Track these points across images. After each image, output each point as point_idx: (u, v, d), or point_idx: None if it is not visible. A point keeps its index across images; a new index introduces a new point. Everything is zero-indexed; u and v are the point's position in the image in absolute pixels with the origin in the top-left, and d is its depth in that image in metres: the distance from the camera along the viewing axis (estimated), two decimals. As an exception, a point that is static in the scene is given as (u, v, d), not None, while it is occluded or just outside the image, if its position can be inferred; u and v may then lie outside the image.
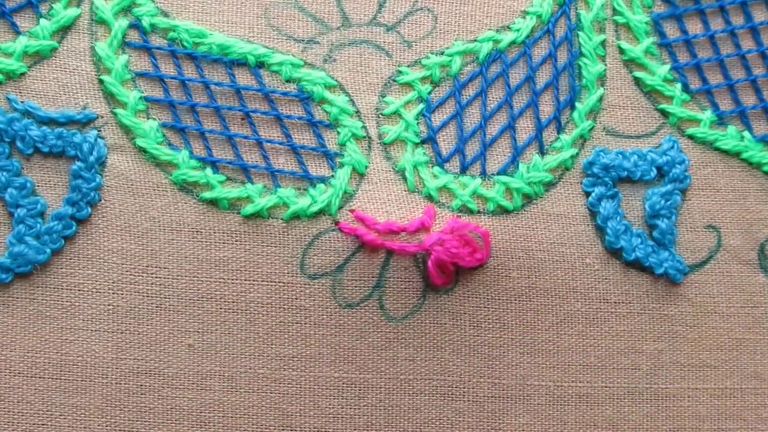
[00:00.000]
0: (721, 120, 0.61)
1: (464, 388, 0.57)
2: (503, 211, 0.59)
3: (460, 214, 0.59)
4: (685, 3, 0.61)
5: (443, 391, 0.57)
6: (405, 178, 0.59)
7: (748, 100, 0.61)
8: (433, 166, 0.59)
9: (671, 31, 0.61)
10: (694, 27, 0.61)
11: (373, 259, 0.58)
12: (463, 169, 0.59)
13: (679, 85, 0.61)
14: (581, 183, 0.60)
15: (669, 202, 0.59)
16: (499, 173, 0.59)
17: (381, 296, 0.57)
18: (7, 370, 0.55)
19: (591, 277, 0.58)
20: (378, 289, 0.57)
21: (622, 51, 0.61)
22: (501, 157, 0.60)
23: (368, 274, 0.57)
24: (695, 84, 0.61)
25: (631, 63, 0.61)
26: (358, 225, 0.58)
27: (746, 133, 0.61)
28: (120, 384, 0.56)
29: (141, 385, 0.56)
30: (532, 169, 0.59)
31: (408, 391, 0.57)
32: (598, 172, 0.59)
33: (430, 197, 0.59)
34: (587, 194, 0.59)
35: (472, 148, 0.59)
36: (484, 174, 0.59)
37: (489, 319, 0.58)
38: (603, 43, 0.61)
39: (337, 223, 0.57)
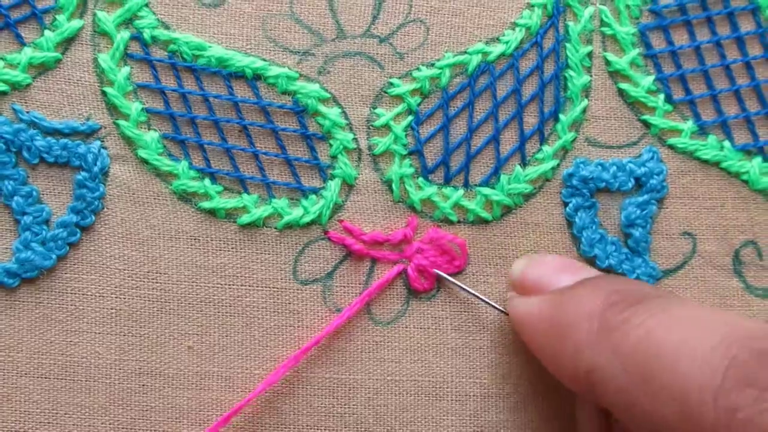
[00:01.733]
0: (702, 130, 0.61)
1: (448, 387, 0.58)
2: (482, 221, 0.59)
3: (440, 224, 0.59)
4: (673, 14, 0.61)
5: (428, 391, 0.58)
6: (391, 189, 0.59)
7: (731, 109, 0.61)
8: (418, 177, 0.59)
9: (657, 41, 0.61)
10: (680, 38, 0.61)
11: (359, 266, 0.58)
12: (447, 180, 0.59)
13: (662, 96, 0.60)
14: (560, 193, 0.60)
15: (644, 212, 0.59)
16: (481, 184, 0.59)
17: (368, 302, 0.58)
18: (15, 371, 0.56)
19: (567, 282, 0.59)
20: (365, 295, 0.58)
21: (608, 62, 0.60)
22: (484, 168, 0.60)
23: (355, 280, 0.58)
24: (678, 94, 0.61)
25: (616, 74, 0.60)
26: (346, 235, 0.58)
27: (726, 143, 0.60)
28: (123, 384, 0.56)
29: (143, 385, 0.56)
30: (513, 180, 0.59)
31: (395, 391, 0.58)
32: (576, 184, 0.59)
33: (413, 208, 0.59)
34: (565, 204, 0.60)
35: (457, 160, 0.60)
36: (467, 185, 0.59)
37: (469, 322, 0.59)
38: (590, 55, 0.60)
39: (326, 232, 0.58)
